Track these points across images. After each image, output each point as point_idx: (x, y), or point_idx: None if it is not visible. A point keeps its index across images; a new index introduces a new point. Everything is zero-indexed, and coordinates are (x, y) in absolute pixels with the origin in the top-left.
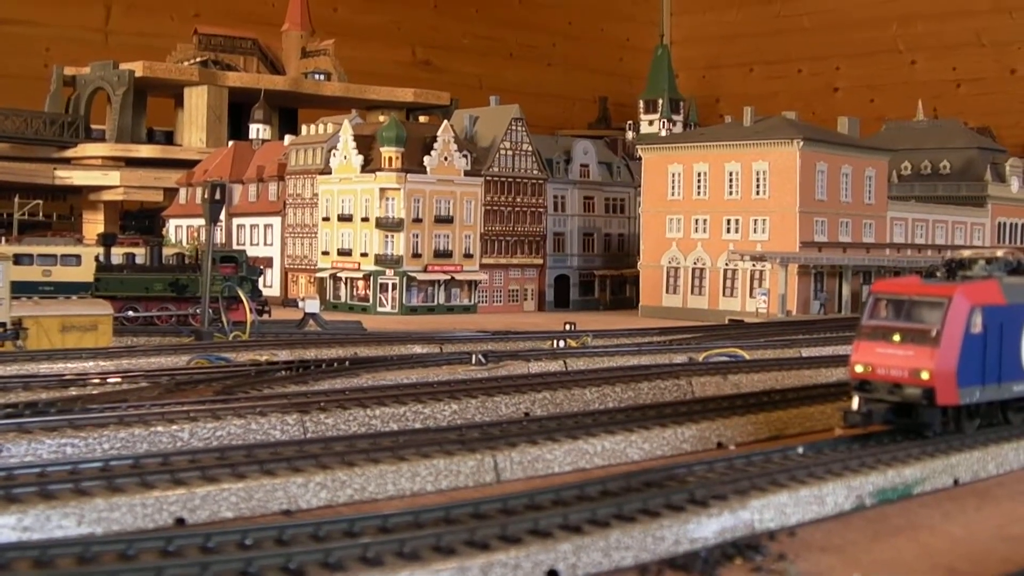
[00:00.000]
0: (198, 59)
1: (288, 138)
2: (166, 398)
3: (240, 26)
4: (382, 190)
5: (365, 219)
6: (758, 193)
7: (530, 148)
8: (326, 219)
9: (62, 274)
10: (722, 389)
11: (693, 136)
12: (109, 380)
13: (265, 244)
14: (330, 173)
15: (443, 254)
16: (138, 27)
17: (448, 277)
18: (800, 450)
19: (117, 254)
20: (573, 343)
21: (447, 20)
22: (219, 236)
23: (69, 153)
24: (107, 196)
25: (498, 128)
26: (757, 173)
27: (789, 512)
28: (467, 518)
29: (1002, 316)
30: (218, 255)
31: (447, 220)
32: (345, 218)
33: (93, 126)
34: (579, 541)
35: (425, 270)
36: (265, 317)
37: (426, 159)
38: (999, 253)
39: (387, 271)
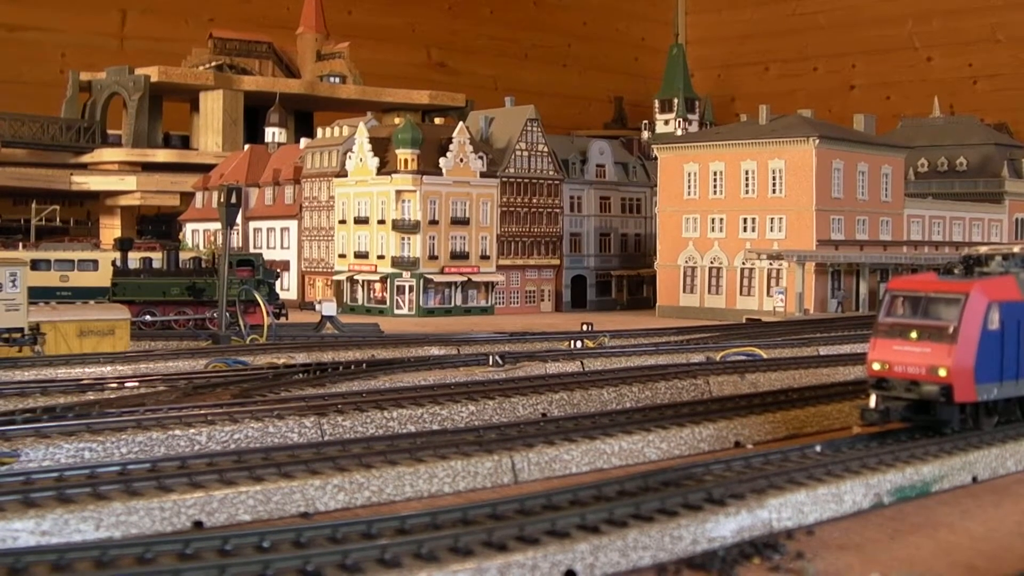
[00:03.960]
0: (213, 63)
1: (304, 141)
2: (184, 402)
3: (255, 30)
4: (398, 192)
5: (381, 221)
6: (774, 191)
7: (546, 149)
8: (342, 222)
9: (79, 279)
10: (740, 388)
11: (709, 135)
12: (127, 384)
13: (282, 247)
14: (346, 176)
15: (460, 256)
16: (153, 32)
17: (465, 279)
18: (818, 448)
19: (134, 259)
20: (590, 343)
21: (462, 22)
22: (236, 240)
23: (86, 158)
24: (124, 201)
25: (513, 129)
26: (773, 171)
27: (807, 511)
28: (485, 519)
29: (1020, 312)
30: (235, 259)
31: (463, 222)
32: (361, 221)
33: (109, 131)
34: (597, 541)
35: (442, 272)
36: (282, 320)
37: (442, 161)
38: (1016, 249)
39: (404, 273)
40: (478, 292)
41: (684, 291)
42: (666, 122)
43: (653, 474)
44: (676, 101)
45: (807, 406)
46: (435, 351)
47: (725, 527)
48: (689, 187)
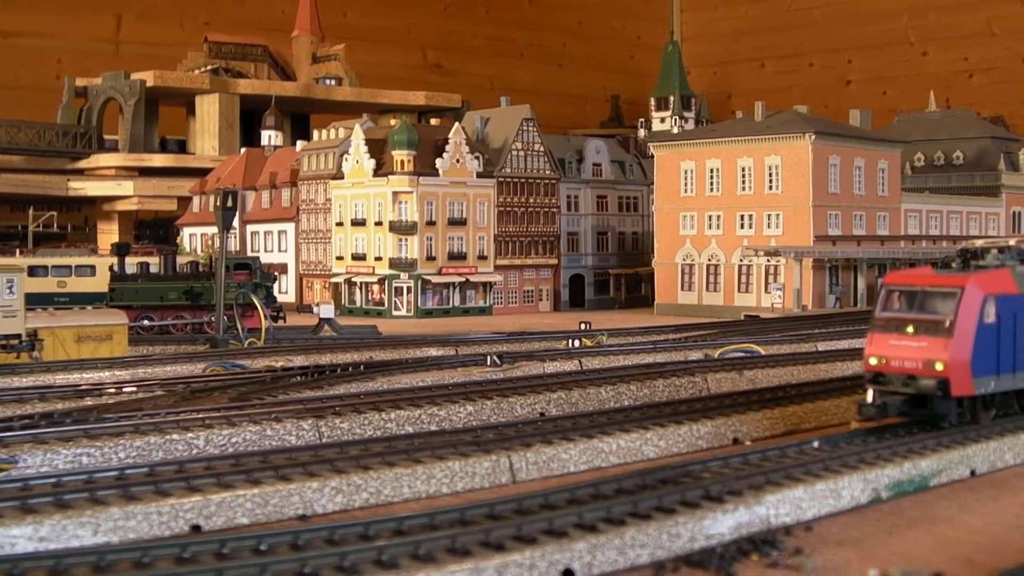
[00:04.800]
0: (209, 67)
1: (300, 144)
2: (181, 406)
3: (250, 33)
4: (395, 194)
5: (378, 223)
6: (771, 188)
7: (542, 148)
8: (339, 224)
9: (77, 284)
10: (738, 385)
11: (705, 132)
12: (124, 389)
13: (279, 250)
14: (342, 178)
15: (457, 256)
16: (148, 36)
17: (463, 279)
18: (816, 444)
19: (131, 263)
20: (588, 342)
21: (457, 22)
22: (233, 243)
23: (82, 164)
24: (121, 206)
25: (510, 129)
26: (770, 168)
27: (805, 506)
28: (482, 519)
29: (1015, 305)
30: (232, 262)
31: (460, 222)
32: (358, 222)
33: (106, 136)
34: (594, 540)
35: (439, 273)
36: (280, 323)
37: (438, 162)
38: (1011, 242)
39: (401, 274)
40: (476, 292)
41: (682, 289)
42: (662, 120)
43: (651, 472)
44: (672, 99)
45: (805, 402)
46: (433, 352)
47: (723, 524)
48: (686, 185)
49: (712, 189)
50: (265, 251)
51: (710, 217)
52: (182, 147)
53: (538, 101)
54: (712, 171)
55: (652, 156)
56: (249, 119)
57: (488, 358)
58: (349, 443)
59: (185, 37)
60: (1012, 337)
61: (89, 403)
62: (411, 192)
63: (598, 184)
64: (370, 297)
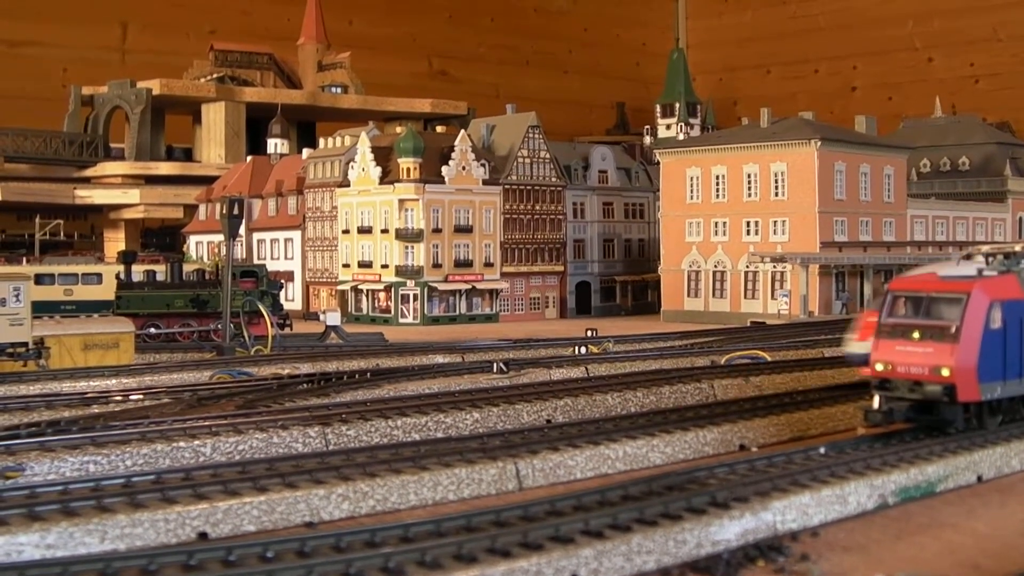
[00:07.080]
0: (215, 75)
1: (306, 152)
2: (188, 413)
3: (256, 41)
4: (401, 201)
5: (385, 231)
6: (777, 194)
7: (548, 155)
8: (346, 232)
9: (83, 293)
10: (744, 391)
11: (711, 139)
12: (131, 397)
13: (286, 258)
14: (349, 186)
15: (463, 263)
16: (154, 45)
17: (469, 286)
18: (822, 450)
19: (138, 271)
20: (595, 349)
21: (462, 30)
22: (239, 251)
23: (89, 172)
24: (127, 214)
25: (515, 136)
26: (775, 174)
27: (811, 513)
28: (488, 526)
29: (1021, 310)
30: (238, 270)
31: (467, 229)
32: (365, 230)
33: (112, 145)
34: (600, 546)
35: (446, 280)
36: (286, 331)
37: (444, 169)
38: (1017, 247)
39: (408, 282)
40: (482, 300)
41: (688, 295)
42: (668, 127)
43: (657, 478)
44: (678, 106)
45: (811, 408)
46: (439, 359)
47: (729, 530)
48: (692, 191)
49: (718, 196)
50: (271, 259)
51: (716, 224)
52: (188, 155)
53: (544, 108)
54: (718, 178)
55: (658, 163)
56: (255, 127)
57: (494, 365)
58: (355, 450)
59: (191, 46)
60: (1018, 342)
61: (96, 411)
62: (417, 199)
63: (604, 191)
64: (376, 304)
